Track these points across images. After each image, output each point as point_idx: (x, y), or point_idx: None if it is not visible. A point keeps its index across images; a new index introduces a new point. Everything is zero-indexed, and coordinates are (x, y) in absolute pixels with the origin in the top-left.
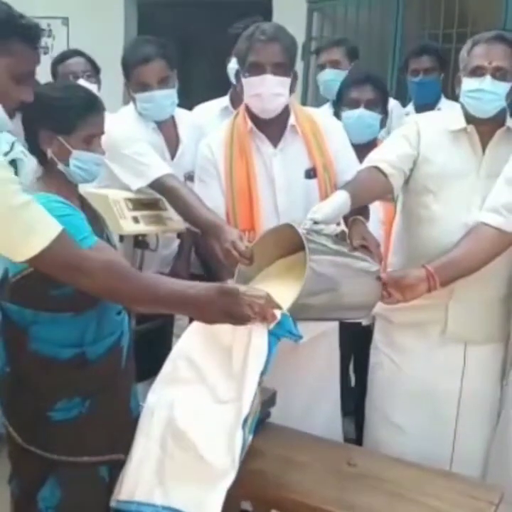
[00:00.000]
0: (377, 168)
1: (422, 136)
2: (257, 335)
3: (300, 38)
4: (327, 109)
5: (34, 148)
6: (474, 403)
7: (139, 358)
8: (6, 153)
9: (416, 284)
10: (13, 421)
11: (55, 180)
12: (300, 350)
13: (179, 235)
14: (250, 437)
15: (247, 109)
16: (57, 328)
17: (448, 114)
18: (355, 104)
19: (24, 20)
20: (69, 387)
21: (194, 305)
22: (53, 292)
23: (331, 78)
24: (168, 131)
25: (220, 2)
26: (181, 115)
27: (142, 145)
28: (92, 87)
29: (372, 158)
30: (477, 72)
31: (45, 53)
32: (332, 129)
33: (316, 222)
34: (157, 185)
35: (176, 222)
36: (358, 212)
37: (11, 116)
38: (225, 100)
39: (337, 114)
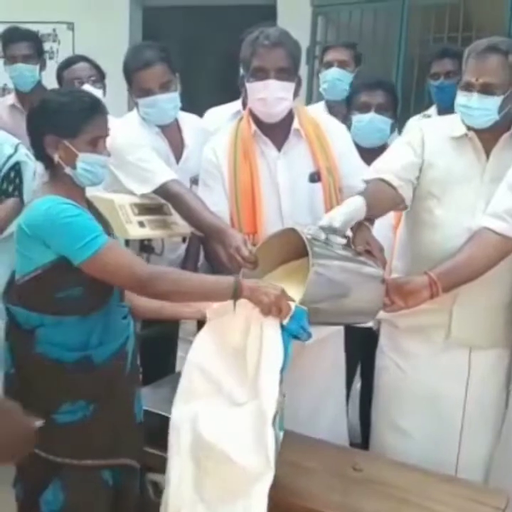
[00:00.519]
0: (384, 180)
1: (426, 143)
2: (270, 330)
3: (304, 43)
4: (322, 107)
5: (40, 153)
6: (479, 408)
7: (145, 362)
8: (10, 156)
9: (418, 291)
10: None
11: (62, 184)
12: (306, 352)
13: (185, 239)
14: (281, 434)
15: (251, 113)
16: (63, 331)
17: (451, 120)
18: (366, 109)
19: None
20: (74, 391)
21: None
22: (60, 295)
23: (338, 77)
24: (173, 136)
25: (225, 6)
26: (185, 119)
27: (146, 151)
28: (97, 92)
29: (379, 168)
30: (466, 87)
31: (51, 58)
32: (336, 132)
33: (333, 229)
34: (161, 191)
35: (181, 226)
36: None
37: None
38: (237, 104)
39: (346, 118)
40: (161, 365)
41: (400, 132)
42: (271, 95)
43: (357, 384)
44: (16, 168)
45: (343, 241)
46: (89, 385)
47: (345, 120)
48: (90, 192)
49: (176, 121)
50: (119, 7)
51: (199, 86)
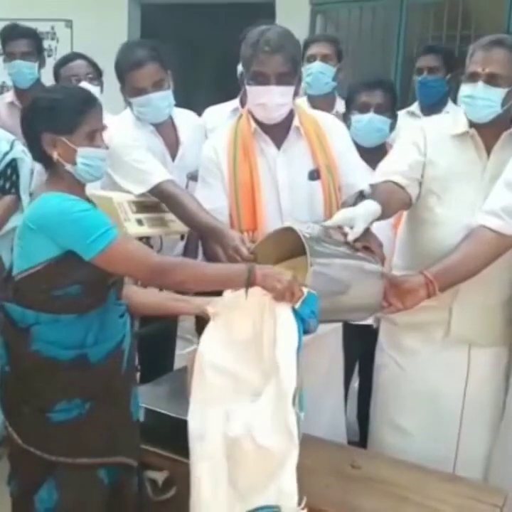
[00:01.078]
0: (392, 182)
1: (428, 140)
2: (283, 313)
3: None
4: (304, 102)
5: (38, 153)
6: (478, 406)
7: (143, 360)
8: (7, 153)
9: (415, 290)
10: (13, 421)
11: (62, 181)
12: (304, 349)
13: (183, 237)
14: (303, 414)
15: (251, 111)
16: (59, 329)
17: (452, 118)
18: (365, 108)
19: None
20: (69, 389)
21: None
22: (57, 292)
23: (320, 70)
24: (168, 134)
25: (223, 4)
26: (180, 116)
27: (140, 152)
28: (94, 90)
29: (385, 170)
30: (472, 78)
31: (49, 56)
32: (335, 131)
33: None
34: (157, 191)
35: (179, 224)
36: None
37: None
38: (234, 102)
39: (345, 118)
40: (160, 363)
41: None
42: (271, 101)
43: (355, 382)
44: (13, 165)
45: (342, 238)
46: (85, 384)
47: (345, 119)
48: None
49: (171, 118)
50: (118, 5)
51: (197, 83)
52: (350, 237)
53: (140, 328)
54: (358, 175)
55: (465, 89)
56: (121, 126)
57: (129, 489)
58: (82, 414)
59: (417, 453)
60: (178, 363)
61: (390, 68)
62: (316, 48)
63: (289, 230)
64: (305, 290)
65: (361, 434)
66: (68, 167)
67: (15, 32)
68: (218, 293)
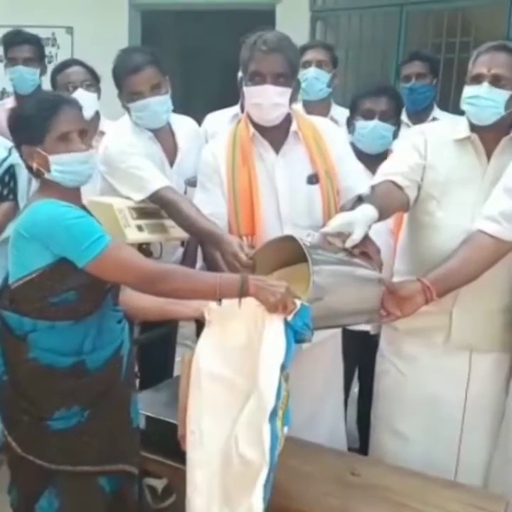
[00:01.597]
0: (391, 182)
1: (429, 145)
2: (272, 327)
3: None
4: (299, 108)
5: (26, 164)
6: (479, 411)
7: (143, 367)
8: (4, 159)
9: (412, 296)
10: (12, 430)
11: (52, 188)
12: (303, 357)
13: (183, 243)
14: (285, 429)
15: (249, 116)
16: (56, 336)
17: (453, 123)
18: (369, 115)
19: None
20: (68, 396)
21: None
22: (53, 299)
23: (315, 76)
24: (166, 139)
25: (223, 11)
26: (178, 121)
27: (138, 158)
28: (91, 97)
29: (386, 171)
30: (477, 79)
31: (50, 62)
32: (333, 136)
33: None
34: (155, 198)
35: (179, 230)
36: None
37: None
38: (235, 108)
39: (349, 123)
40: (159, 370)
41: None
42: (267, 101)
43: (354, 387)
44: (11, 171)
45: (340, 244)
46: (83, 391)
47: (348, 125)
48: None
49: (169, 124)
50: (118, 11)
51: (197, 90)
52: (349, 244)
53: (140, 335)
54: (357, 178)
55: (469, 90)
56: (120, 132)
57: (130, 497)
58: (82, 421)
59: (418, 459)
60: (177, 370)
61: (389, 75)
62: (311, 54)
63: (289, 238)
64: (298, 302)
65: (361, 440)
66: (47, 175)
67: (18, 38)
68: None
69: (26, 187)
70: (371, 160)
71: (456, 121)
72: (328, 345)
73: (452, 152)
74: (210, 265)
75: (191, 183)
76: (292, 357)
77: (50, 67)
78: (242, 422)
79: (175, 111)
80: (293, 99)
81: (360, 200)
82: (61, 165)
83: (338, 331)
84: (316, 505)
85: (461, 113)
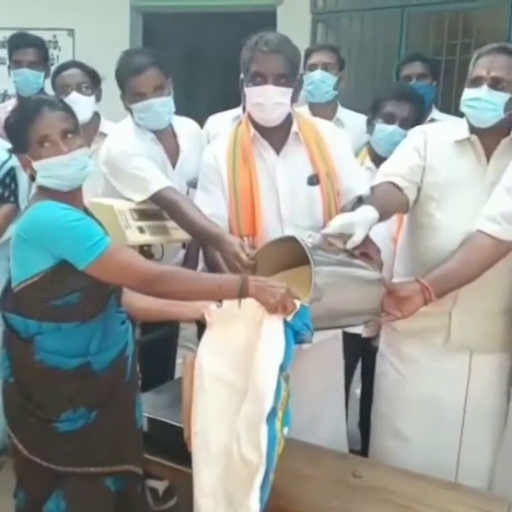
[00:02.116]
0: (391, 183)
1: (429, 146)
2: (271, 327)
3: (304, 50)
4: (305, 110)
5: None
6: (480, 412)
7: (144, 368)
8: (6, 161)
9: (411, 297)
10: (18, 432)
11: (49, 191)
12: (304, 357)
13: (185, 245)
14: (285, 429)
15: (250, 117)
16: (62, 338)
17: (453, 125)
18: (390, 120)
19: None
20: (74, 398)
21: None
22: (56, 302)
23: (322, 79)
24: (168, 141)
25: (225, 13)
26: (180, 123)
27: (140, 159)
28: (86, 100)
29: (385, 172)
30: (476, 82)
31: (51, 65)
32: (334, 137)
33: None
34: (156, 198)
35: (181, 232)
36: None
37: None
38: (238, 110)
39: (369, 122)
40: (161, 371)
41: None
42: (268, 101)
43: (356, 389)
44: (11, 174)
45: (341, 245)
46: (89, 392)
47: (368, 124)
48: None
49: (171, 126)
50: (120, 13)
51: (199, 92)
52: (349, 245)
53: (141, 336)
54: (357, 179)
55: (469, 93)
56: (122, 134)
57: (134, 496)
58: (88, 423)
59: (419, 460)
60: (178, 372)
61: (391, 78)
62: (317, 57)
63: (290, 239)
64: (298, 303)
65: (363, 442)
66: (38, 181)
67: (23, 41)
68: None
69: (27, 189)
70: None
71: (457, 123)
72: (329, 346)
73: (452, 153)
74: (211, 266)
75: (193, 184)
76: (292, 358)
77: (51, 70)
78: (242, 422)
79: (177, 112)
80: (294, 99)
81: (360, 201)
82: (44, 170)
83: (339, 332)
84: (317, 508)
85: (462, 115)
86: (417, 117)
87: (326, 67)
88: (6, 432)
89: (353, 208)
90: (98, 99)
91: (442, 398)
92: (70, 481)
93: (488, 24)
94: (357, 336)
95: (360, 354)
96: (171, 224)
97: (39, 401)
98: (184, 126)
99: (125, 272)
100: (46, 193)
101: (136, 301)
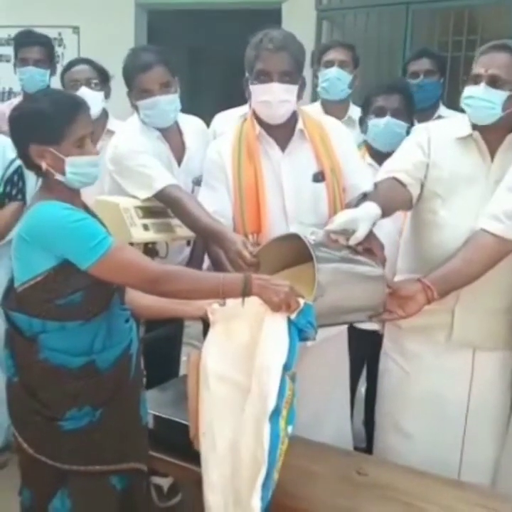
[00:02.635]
0: (395, 179)
1: (432, 143)
2: (274, 326)
3: (309, 47)
4: (318, 107)
5: (28, 163)
6: (483, 410)
7: (149, 366)
8: (14, 160)
9: (413, 296)
10: (23, 431)
11: (56, 188)
12: (308, 354)
13: (189, 242)
14: (290, 428)
15: (255, 114)
16: (66, 336)
17: (456, 121)
18: (382, 113)
19: None
20: (79, 397)
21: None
22: (60, 301)
23: (338, 76)
24: (173, 139)
25: (229, 11)
26: (186, 121)
27: (146, 157)
28: (97, 95)
29: (389, 168)
30: (475, 80)
31: (57, 62)
32: (338, 133)
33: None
34: (161, 196)
35: (186, 229)
36: None
37: None
38: (245, 108)
39: (362, 121)
40: (165, 369)
41: None
42: (274, 98)
43: (362, 387)
44: (19, 172)
45: (345, 242)
46: (94, 391)
47: (361, 123)
48: (94, 196)
49: (177, 124)
50: (124, 11)
51: (204, 90)
52: (352, 242)
53: (145, 334)
54: (362, 176)
55: (467, 91)
56: (128, 131)
57: (140, 494)
58: (93, 421)
59: (422, 456)
60: (183, 369)
61: (396, 74)
62: (333, 54)
63: (293, 236)
64: (301, 301)
65: (368, 440)
66: (58, 176)
67: (29, 38)
68: None
69: (35, 187)
70: (385, 159)
71: (460, 120)
72: (334, 343)
73: (456, 150)
74: (215, 264)
75: (199, 182)
76: (297, 356)
77: (57, 68)
78: (246, 421)
79: (182, 110)
80: (299, 96)
81: (364, 197)
82: (77, 167)
83: (344, 329)
84: (322, 505)
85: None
86: (409, 106)
87: (341, 65)
88: (10, 429)
89: (357, 205)
90: (107, 96)
91: (445, 395)
92: (75, 479)
93: (494, 21)
94: (367, 333)
95: (369, 352)
96: (175, 222)
97: (44, 400)
98: (190, 124)
99: (128, 271)
100: (52, 190)
101: (140, 299)
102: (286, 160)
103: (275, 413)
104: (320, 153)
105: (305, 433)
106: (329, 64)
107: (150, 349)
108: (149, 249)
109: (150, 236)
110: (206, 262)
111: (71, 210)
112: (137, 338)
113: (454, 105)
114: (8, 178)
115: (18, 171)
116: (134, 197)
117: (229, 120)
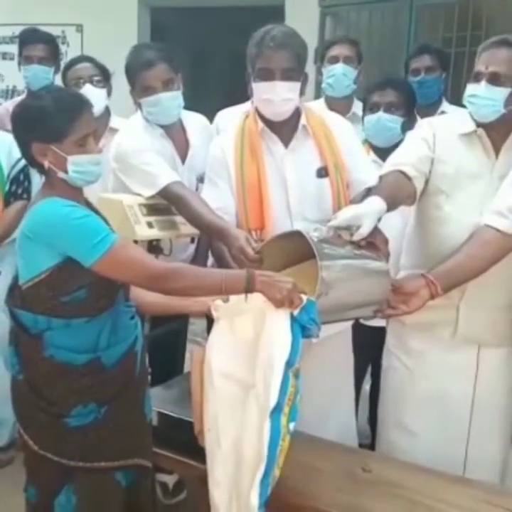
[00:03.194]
0: (400, 171)
1: (437, 138)
2: (277, 322)
3: (312, 43)
4: (322, 104)
5: (30, 160)
6: (488, 407)
7: (153, 363)
8: (20, 159)
9: (416, 291)
10: (28, 428)
11: (58, 186)
12: (313, 352)
13: (194, 240)
14: (292, 425)
15: (258, 111)
16: (71, 333)
17: (460, 117)
18: (375, 108)
19: None
20: (84, 394)
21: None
22: (64, 299)
23: (343, 72)
24: (177, 136)
25: (232, 8)
26: (189, 118)
27: (149, 155)
28: (100, 93)
29: (394, 161)
30: (476, 77)
31: (60, 60)
32: (342, 129)
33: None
34: (164, 193)
35: (190, 227)
36: None
37: None
38: (247, 105)
39: (362, 119)
40: (169, 366)
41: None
42: (277, 96)
43: (367, 384)
44: (25, 171)
45: (349, 238)
46: (100, 388)
47: (362, 120)
48: (98, 193)
49: (180, 121)
50: (128, 9)
51: (207, 87)
52: (356, 238)
53: (150, 331)
54: (366, 171)
55: (469, 88)
56: (131, 129)
57: (144, 490)
58: (99, 418)
59: (426, 454)
60: (188, 366)
61: (399, 70)
62: (338, 50)
63: (296, 233)
64: (304, 297)
65: (373, 436)
66: (60, 174)
67: (33, 36)
68: None
69: (40, 186)
70: (383, 154)
71: (463, 115)
72: (338, 340)
73: (460, 146)
74: (218, 260)
75: (203, 179)
76: (300, 353)
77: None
78: (248, 417)
79: (185, 107)
80: (302, 92)
81: (369, 192)
82: (79, 166)
83: (348, 326)
84: (327, 502)
85: None
86: (406, 101)
87: (346, 61)
88: (15, 427)
89: (362, 200)
90: (109, 94)
91: (450, 392)
92: (81, 475)
93: (498, 16)
94: (373, 330)
95: (374, 349)
96: (179, 219)
97: (49, 397)
98: (193, 121)
99: (131, 269)
100: (55, 188)
101: (144, 295)
102: (290, 156)
103: (276, 410)
104: (323, 149)
105: (310, 430)
106: (334, 60)
107: (155, 346)
108: (153, 247)
109: (154, 233)
110: (210, 259)
111: (74, 207)
112: (142, 335)
113: (458, 101)
114: (14, 177)
115: (24, 170)
116: (138, 194)
117: (232, 117)
